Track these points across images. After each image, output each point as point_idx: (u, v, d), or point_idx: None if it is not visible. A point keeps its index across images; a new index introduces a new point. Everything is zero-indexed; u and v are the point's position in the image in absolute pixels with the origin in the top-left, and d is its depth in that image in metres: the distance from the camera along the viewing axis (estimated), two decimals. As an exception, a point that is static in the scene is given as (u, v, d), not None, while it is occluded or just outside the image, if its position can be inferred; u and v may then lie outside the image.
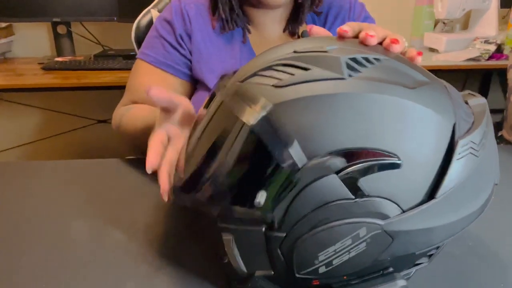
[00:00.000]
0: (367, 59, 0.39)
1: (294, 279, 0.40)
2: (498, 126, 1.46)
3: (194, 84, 0.88)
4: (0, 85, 1.60)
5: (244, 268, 0.42)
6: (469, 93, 0.47)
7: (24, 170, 0.78)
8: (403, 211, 0.37)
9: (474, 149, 0.39)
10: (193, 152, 0.41)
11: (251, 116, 0.37)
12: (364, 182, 0.36)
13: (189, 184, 0.41)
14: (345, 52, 0.38)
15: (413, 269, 0.44)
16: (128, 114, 0.80)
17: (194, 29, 0.83)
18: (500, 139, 1.36)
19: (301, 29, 0.87)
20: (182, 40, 0.84)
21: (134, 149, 0.84)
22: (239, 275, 0.42)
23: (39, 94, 1.99)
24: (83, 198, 0.68)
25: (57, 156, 2.20)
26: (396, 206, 0.37)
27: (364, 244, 0.37)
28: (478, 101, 0.45)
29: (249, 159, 0.38)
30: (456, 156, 0.38)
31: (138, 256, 0.53)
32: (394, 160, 0.36)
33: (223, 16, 0.81)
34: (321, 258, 0.38)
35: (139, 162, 0.81)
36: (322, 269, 0.39)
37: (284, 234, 0.38)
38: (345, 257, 0.38)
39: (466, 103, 0.45)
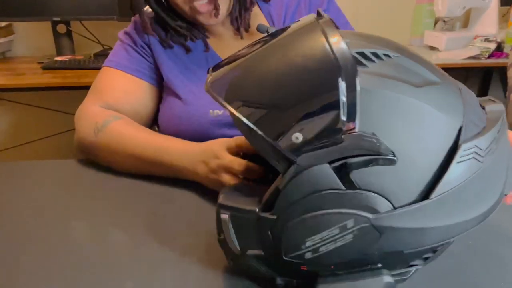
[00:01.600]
0: (376, 54, 0.39)
1: (283, 262, 0.41)
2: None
3: (162, 90, 0.89)
4: (0, 85, 1.60)
5: (237, 246, 0.43)
6: (489, 99, 0.47)
7: (23, 170, 0.78)
8: (394, 208, 0.37)
9: (478, 154, 0.39)
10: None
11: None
12: (356, 175, 0.36)
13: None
14: (354, 46, 0.38)
15: (411, 270, 0.44)
16: (129, 131, 0.75)
17: (153, 42, 0.85)
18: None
19: (253, 16, 0.86)
20: (144, 49, 0.86)
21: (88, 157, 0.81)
22: (233, 253, 0.43)
23: (39, 94, 1.98)
24: (83, 198, 0.67)
25: (56, 156, 2.20)
26: (387, 202, 0.37)
27: (351, 235, 0.38)
28: (495, 107, 0.45)
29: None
30: (456, 159, 0.38)
31: (138, 256, 0.53)
32: (388, 156, 0.36)
33: (173, 43, 0.84)
34: (308, 244, 0.39)
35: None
36: (308, 255, 0.39)
37: (275, 217, 0.39)
38: (331, 246, 0.38)
39: (483, 108, 0.44)
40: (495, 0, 1.87)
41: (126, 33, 0.88)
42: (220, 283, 0.48)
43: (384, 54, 0.39)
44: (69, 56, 1.90)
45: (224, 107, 0.40)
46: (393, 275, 0.41)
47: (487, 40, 1.82)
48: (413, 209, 0.37)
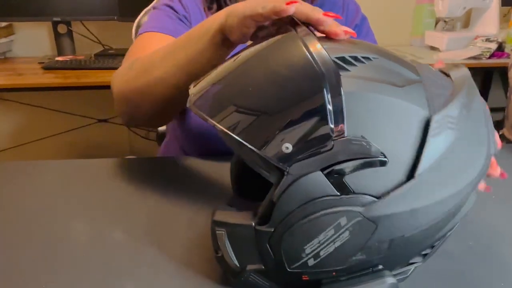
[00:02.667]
0: (355, 58, 0.39)
1: (285, 273, 0.41)
2: (499, 125, 1.46)
3: None
4: (0, 85, 1.60)
5: (236, 262, 0.43)
6: (452, 65, 0.47)
7: (24, 170, 0.78)
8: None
9: (451, 122, 0.39)
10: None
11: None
12: (349, 179, 0.36)
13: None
14: (333, 51, 0.38)
15: (410, 268, 0.44)
16: (162, 49, 0.66)
17: (192, 13, 0.83)
18: (501, 138, 1.36)
19: None
20: (187, 20, 0.82)
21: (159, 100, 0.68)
22: (233, 269, 0.43)
23: (40, 94, 1.99)
24: (83, 198, 0.67)
25: (57, 156, 2.20)
26: (383, 206, 0.37)
27: (347, 232, 0.38)
28: (459, 72, 0.45)
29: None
30: (431, 132, 0.37)
31: (138, 256, 0.53)
32: (379, 158, 0.36)
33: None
34: (307, 250, 0.39)
35: (138, 162, 0.81)
36: (311, 262, 0.39)
37: (273, 229, 0.39)
38: (331, 248, 0.38)
39: (448, 75, 0.44)
40: (496, 0, 1.87)
41: (165, 4, 0.83)
42: (220, 283, 0.48)
43: (364, 57, 0.39)
44: (70, 56, 1.90)
45: (210, 122, 0.39)
46: (394, 275, 0.41)
47: (488, 40, 1.82)
48: (401, 192, 0.37)
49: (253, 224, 0.40)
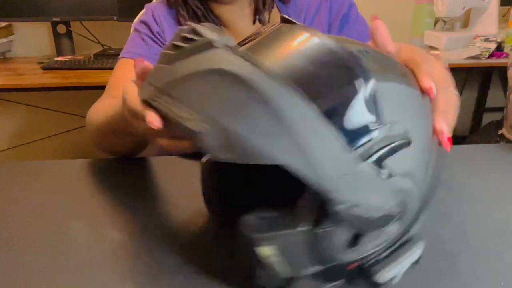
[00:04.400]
0: (359, 52, 0.39)
1: (346, 268, 0.41)
2: (498, 125, 1.46)
3: None
4: (0, 85, 1.60)
5: (290, 272, 0.40)
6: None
7: (23, 170, 0.78)
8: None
9: None
10: None
11: None
12: (388, 163, 0.37)
13: None
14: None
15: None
16: (98, 105, 0.79)
17: (165, 30, 0.85)
18: (500, 138, 1.37)
19: (272, 17, 0.86)
20: (160, 36, 0.86)
21: (98, 145, 0.83)
22: (280, 280, 0.41)
23: (39, 94, 1.99)
24: (82, 198, 0.67)
25: (56, 156, 2.20)
26: (411, 182, 0.39)
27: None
28: None
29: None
30: None
31: (137, 256, 0.53)
32: (404, 140, 0.37)
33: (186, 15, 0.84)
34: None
35: (138, 162, 0.81)
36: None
37: (333, 227, 0.38)
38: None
39: None
40: (495, 0, 1.87)
41: (142, 21, 0.88)
42: (221, 283, 0.48)
43: (365, 51, 0.40)
44: (69, 57, 1.90)
45: None
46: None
47: (487, 40, 1.82)
48: None
49: (311, 227, 0.38)
